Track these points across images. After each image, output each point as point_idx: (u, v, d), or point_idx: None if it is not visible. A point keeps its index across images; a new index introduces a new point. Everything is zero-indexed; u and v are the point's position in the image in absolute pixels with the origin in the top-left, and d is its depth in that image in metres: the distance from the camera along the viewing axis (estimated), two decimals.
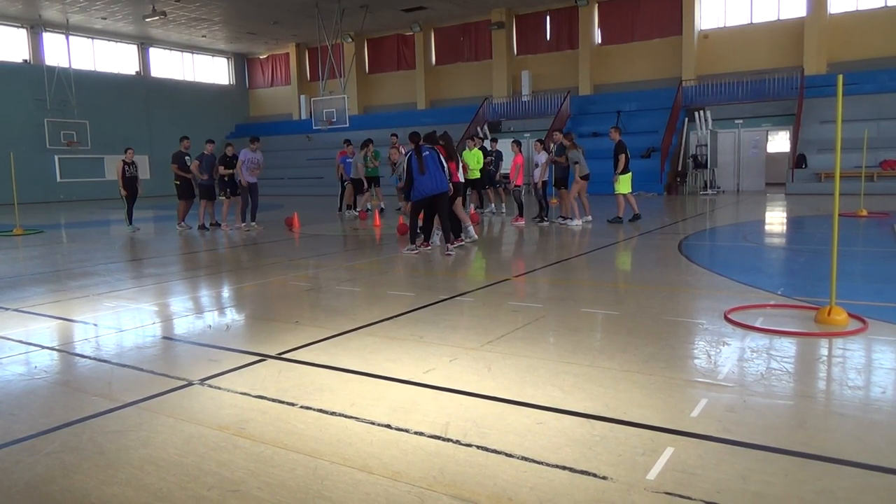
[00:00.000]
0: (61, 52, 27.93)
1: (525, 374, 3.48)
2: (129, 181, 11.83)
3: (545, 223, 11.49)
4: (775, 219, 12.62)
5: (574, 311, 4.95)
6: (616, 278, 6.48)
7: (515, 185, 12.22)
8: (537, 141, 12.38)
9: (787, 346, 3.91)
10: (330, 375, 3.57)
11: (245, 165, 10.67)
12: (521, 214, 11.94)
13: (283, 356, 3.92)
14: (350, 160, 15.23)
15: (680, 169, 21.81)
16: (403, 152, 14.48)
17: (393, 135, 15.44)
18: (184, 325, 4.93)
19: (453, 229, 8.23)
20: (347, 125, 25.58)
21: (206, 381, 3.49)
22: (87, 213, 19.38)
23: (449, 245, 8.04)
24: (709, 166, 20.46)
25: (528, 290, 6.16)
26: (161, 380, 3.56)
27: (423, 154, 7.86)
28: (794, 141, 20.45)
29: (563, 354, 3.81)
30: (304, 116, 33.52)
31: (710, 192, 20.12)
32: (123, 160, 11.72)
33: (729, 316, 4.54)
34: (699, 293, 5.65)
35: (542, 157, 11.80)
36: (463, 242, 8.13)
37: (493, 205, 14.51)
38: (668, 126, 21.78)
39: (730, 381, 3.32)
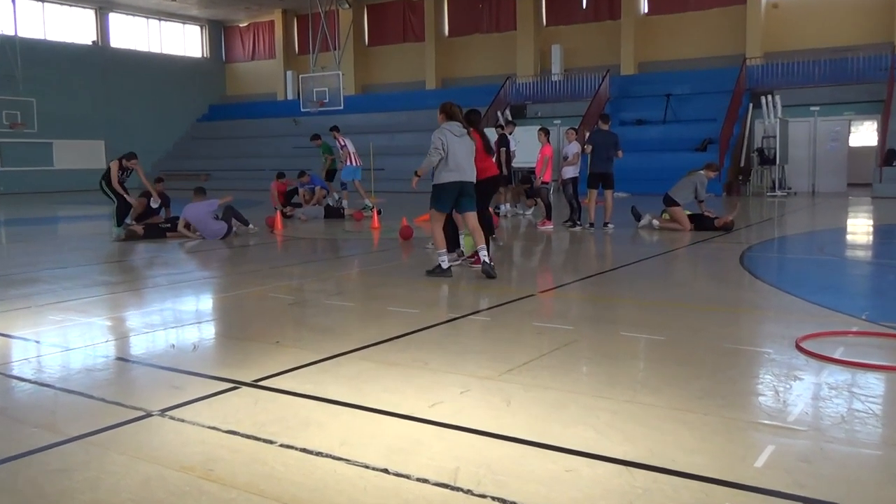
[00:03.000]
0: (6, 17, 28.31)
1: (551, 411, 3.46)
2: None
3: (577, 228, 11.47)
4: (859, 227, 12.52)
5: (612, 335, 4.93)
6: (663, 295, 6.44)
7: (542, 182, 12.22)
8: (570, 129, 12.37)
9: (874, 383, 3.86)
10: (316, 407, 3.56)
11: (195, 222, 10.64)
12: (548, 217, 11.93)
13: (261, 383, 3.92)
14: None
15: (742, 165, 21.74)
16: (348, 148, 14.38)
17: (333, 128, 15.72)
18: (142, 343, 4.96)
19: (455, 240, 8.14)
20: (342, 107, 25.75)
21: (167, 412, 3.49)
22: (32, 209, 19.60)
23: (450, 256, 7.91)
24: (777, 162, 20.35)
25: (557, 308, 6.13)
26: (114, 409, 3.57)
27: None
28: (883, 133, 20.29)
29: (598, 387, 3.78)
30: (290, 96, 33.82)
31: (778, 193, 20.01)
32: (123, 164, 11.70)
33: (801, 344, 4.49)
34: (765, 315, 5.61)
35: (573, 148, 11.78)
36: (459, 262, 7.99)
37: (513, 205, 14.54)
38: (729, 113, 21.73)
39: (803, 425, 3.27)
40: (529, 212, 14.40)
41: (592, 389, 3.76)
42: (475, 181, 7.33)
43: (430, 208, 7.40)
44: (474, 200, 7.33)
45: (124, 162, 11.74)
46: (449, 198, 7.20)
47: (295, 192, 15.45)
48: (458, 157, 7.12)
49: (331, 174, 16.06)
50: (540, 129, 12.48)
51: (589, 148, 11.21)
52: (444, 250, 7.33)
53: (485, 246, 7.32)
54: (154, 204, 12.07)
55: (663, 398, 3.61)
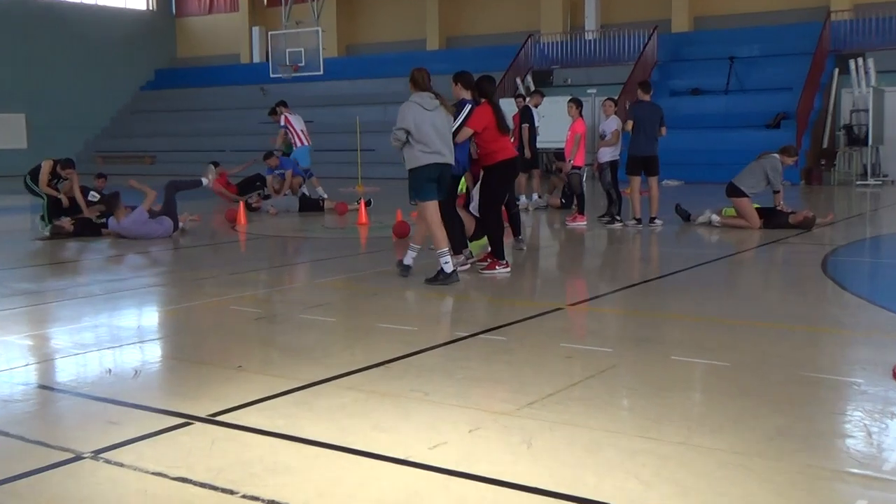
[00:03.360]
0: None
1: (584, 455, 3.45)
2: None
3: (617, 224, 11.47)
4: None
5: (660, 360, 4.91)
6: (725, 310, 6.41)
7: (573, 167, 12.22)
8: (608, 100, 12.35)
9: None
10: (287, 449, 3.55)
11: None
12: (580, 211, 11.93)
13: (218, 418, 3.92)
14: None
15: (825, 146, 21.66)
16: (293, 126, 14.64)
17: (280, 104, 15.86)
18: (71, 368, 4.96)
19: (461, 238, 8.13)
20: (321, 72, 25.72)
21: (101, 454, 3.50)
22: None
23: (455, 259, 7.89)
24: (870, 143, 20.28)
25: (591, 325, 6.11)
26: (36, 450, 3.58)
27: (468, 110, 7.73)
28: None
29: (643, 425, 3.77)
30: (257, 58, 33.82)
31: (871, 182, 19.94)
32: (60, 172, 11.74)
33: None
34: (854, 336, 5.59)
35: (612, 124, 11.75)
36: (468, 265, 7.97)
37: (540, 195, 14.53)
38: (808, 81, 21.66)
39: None
40: (542, 198, 14.37)
41: (636, 428, 3.74)
42: (452, 164, 7.45)
43: (411, 201, 7.47)
44: (445, 187, 7.48)
45: (59, 169, 11.68)
46: (431, 183, 7.32)
47: (257, 180, 15.51)
48: (430, 136, 7.22)
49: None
50: (570, 101, 12.48)
51: (630, 124, 11.23)
52: (447, 249, 7.36)
53: (447, 251, 7.36)
54: (93, 198, 12.09)
55: (725, 440, 3.59)
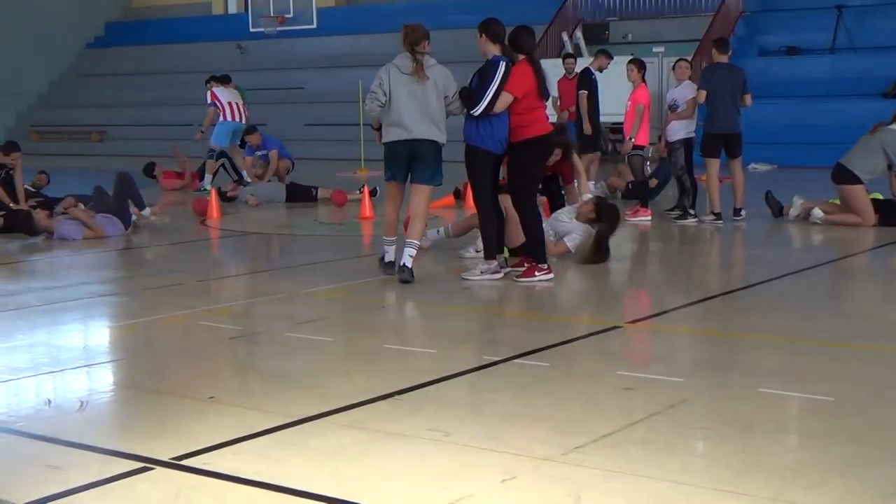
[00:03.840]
0: None
1: None
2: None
3: (690, 220, 11.42)
4: None
5: (744, 392, 4.88)
6: (829, 331, 6.37)
7: (634, 147, 12.17)
8: (681, 62, 12.30)
9: None
10: (271, 502, 3.57)
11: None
12: (643, 203, 11.90)
13: (185, 462, 3.94)
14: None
15: None
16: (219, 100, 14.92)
17: (210, 79, 16.57)
18: (0, 398, 4.99)
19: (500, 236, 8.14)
20: (314, 25, 25.69)
21: None
22: None
23: (486, 266, 7.90)
24: None
25: (656, 348, 6.09)
26: None
27: (503, 70, 7.64)
28: None
29: (724, 476, 3.76)
30: (233, 9, 33.93)
31: None
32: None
33: None
34: None
35: (686, 92, 11.70)
36: (501, 273, 7.91)
37: (593, 181, 14.42)
38: None
39: None
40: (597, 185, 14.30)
41: (714, 480, 3.73)
42: (435, 140, 7.80)
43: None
44: (430, 168, 7.85)
45: (1, 157, 11.78)
46: (396, 163, 7.81)
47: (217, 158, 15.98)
48: (400, 106, 7.64)
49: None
50: (630, 62, 12.40)
51: (703, 95, 11.22)
52: (392, 239, 7.96)
53: (414, 242, 7.79)
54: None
55: (829, 496, 3.57)
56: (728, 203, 11.36)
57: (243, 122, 16.35)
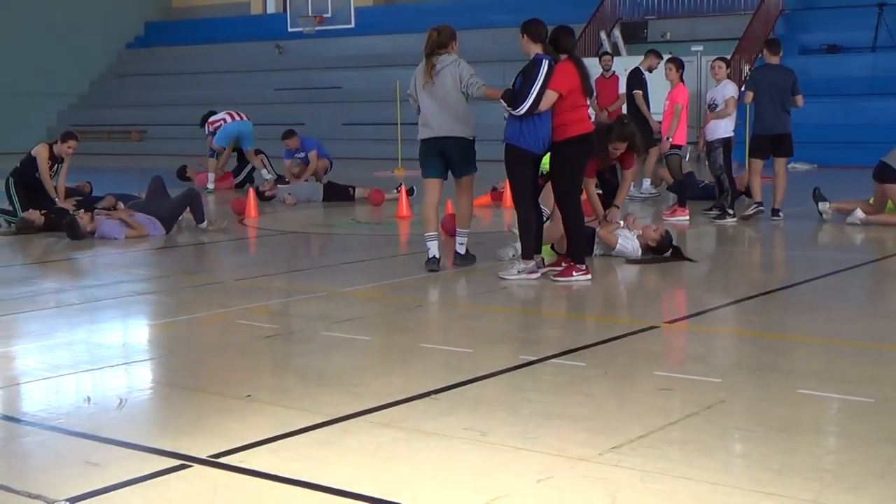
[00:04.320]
0: None
1: None
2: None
3: (729, 220, 11.34)
4: None
5: (783, 393, 4.85)
6: (869, 331, 6.31)
7: (672, 146, 12.10)
8: (718, 61, 12.22)
9: None
10: (308, 500, 3.58)
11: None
12: (681, 203, 11.83)
13: (222, 460, 3.97)
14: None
15: None
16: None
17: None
18: (41, 394, 5.06)
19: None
20: (352, 25, 25.75)
21: (78, 503, 3.56)
22: None
23: (523, 265, 7.88)
24: None
25: (693, 348, 6.06)
26: None
27: (546, 68, 7.64)
28: None
29: (762, 478, 3.74)
30: (272, 8, 34.07)
31: None
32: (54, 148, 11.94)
33: None
34: None
35: (726, 91, 11.63)
36: (538, 273, 7.88)
37: (647, 179, 14.28)
38: None
39: None
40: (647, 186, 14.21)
41: (752, 481, 3.71)
42: (459, 136, 8.26)
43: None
44: (462, 162, 8.37)
45: (57, 149, 11.81)
46: (428, 159, 8.43)
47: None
48: (424, 107, 8.31)
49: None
50: (668, 61, 12.35)
51: (750, 96, 11.24)
52: (434, 233, 8.34)
53: (465, 231, 8.50)
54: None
55: (868, 498, 3.55)
56: (766, 202, 11.30)
57: (245, 119, 16.72)
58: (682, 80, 12.12)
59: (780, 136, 11.26)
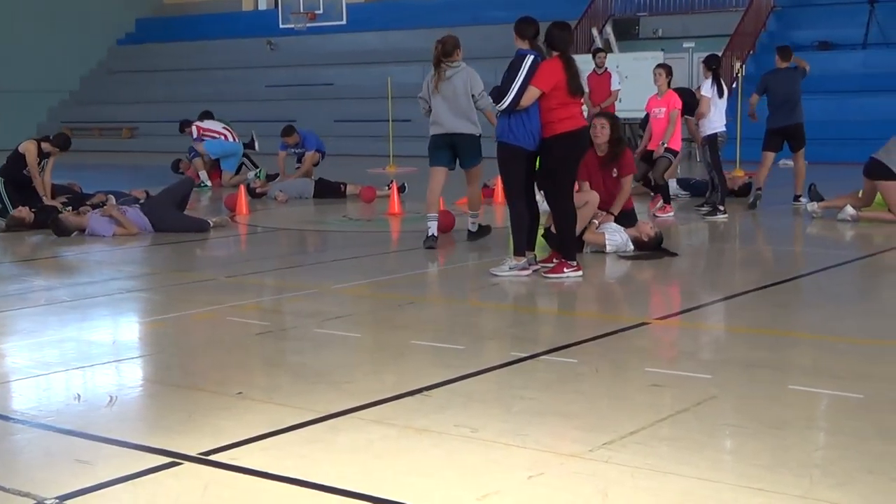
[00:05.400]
0: None
1: None
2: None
3: (720, 216, 11.35)
4: None
5: (773, 389, 4.86)
6: (860, 327, 6.32)
7: (667, 150, 12.08)
8: (709, 58, 12.25)
9: None
10: (299, 497, 3.58)
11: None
12: (666, 199, 11.84)
13: (213, 458, 3.96)
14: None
15: None
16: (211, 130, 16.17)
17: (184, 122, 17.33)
18: (31, 392, 5.04)
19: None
20: (344, 21, 25.74)
21: (67, 501, 3.55)
22: None
23: (515, 262, 7.87)
24: None
25: (685, 344, 6.07)
26: None
27: (529, 63, 7.68)
28: None
29: (752, 473, 3.74)
30: (263, 5, 34.02)
31: None
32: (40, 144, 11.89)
33: None
34: None
35: (706, 89, 11.66)
36: (530, 270, 7.87)
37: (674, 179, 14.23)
38: None
39: None
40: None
41: (741, 477, 3.72)
42: (468, 133, 9.20)
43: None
44: (471, 155, 9.36)
45: (45, 145, 11.82)
46: (438, 151, 9.38)
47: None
48: (436, 108, 9.20)
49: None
50: (659, 66, 12.20)
51: (755, 98, 12.41)
52: (434, 214, 9.38)
53: (475, 213, 9.79)
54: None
55: (857, 493, 3.55)
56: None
57: (238, 143, 16.86)
58: (669, 86, 11.99)
59: (793, 130, 12.04)
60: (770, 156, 12.19)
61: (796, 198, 12.27)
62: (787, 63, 12.31)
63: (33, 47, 31.16)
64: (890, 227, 10.50)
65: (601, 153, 9.07)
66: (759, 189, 12.09)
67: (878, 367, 5.30)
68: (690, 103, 12.13)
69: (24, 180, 11.69)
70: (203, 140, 16.61)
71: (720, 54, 17.02)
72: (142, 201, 11.72)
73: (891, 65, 21.96)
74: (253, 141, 16.94)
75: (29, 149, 11.71)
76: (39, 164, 11.78)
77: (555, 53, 7.73)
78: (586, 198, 8.74)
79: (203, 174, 16.51)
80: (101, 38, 34.67)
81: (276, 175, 15.54)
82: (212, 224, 11.13)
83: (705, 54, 13.20)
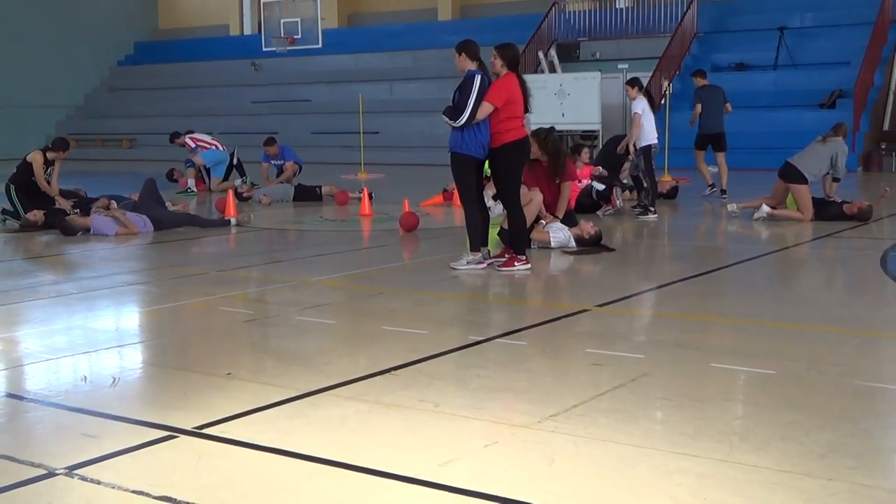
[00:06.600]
0: None
1: (612, 473, 3.47)
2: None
3: (651, 216, 11.44)
4: None
5: (697, 367, 4.91)
6: (772, 312, 6.41)
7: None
8: (632, 80, 12.34)
9: None
10: (283, 466, 3.58)
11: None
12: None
13: (206, 431, 3.96)
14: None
15: (886, 128, 21.54)
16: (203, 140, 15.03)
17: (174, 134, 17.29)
18: (42, 374, 5.00)
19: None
20: (320, 45, 25.75)
21: (76, 471, 3.53)
22: None
23: (472, 257, 7.89)
24: None
25: (621, 328, 6.12)
26: (3, 466, 3.61)
27: (479, 82, 7.63)
28: None
29: (679, 441, 3.78)
30: (249, 30, 33.87)
31: None
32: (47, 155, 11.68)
33: None
34: None
35: (639, 106, 11.74)
36: (485, 264, 7.88)
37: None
38: (868, 55, 21.54)
39: None
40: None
41: (670, 444, 3.75)
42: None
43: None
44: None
45: (50, 153, 11.67)
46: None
47: (231, 167, 16.36)
48: None
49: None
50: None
51: (699, 108, 13.64)
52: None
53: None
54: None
55: (770, 457, 3.60)
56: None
57: (225, 151, 16.83)
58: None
59: (717, 136, 13.69)
60: (700, 153, 13.85)
61: (722, 192, 13.27)
62: (705, 80, 13.87)
63: (44, 68, 31.38)
64: (799, 225, 10.63)
65: (545, 164, 9.19)
66: (714, 186, 13.60)
67: (787, 346, 5.38)
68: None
69: (34, 186, 11.60)
70: (200, 151, 16.53)
71: (650, 75, 17.20)
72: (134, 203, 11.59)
73: (797, 84, 22.30)
74: (233, 155, 16.85)
75: (35, 158, 11.63)
76: (46, 171, 11.66)
77: (505, 71, 7.76)
78: (530, 196, 8.85)
79: (191, 181, 16.51)
80: (103, 59, 34.64)
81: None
82: (234, 222, 11.37)
83: (638, 74, 13.34)
